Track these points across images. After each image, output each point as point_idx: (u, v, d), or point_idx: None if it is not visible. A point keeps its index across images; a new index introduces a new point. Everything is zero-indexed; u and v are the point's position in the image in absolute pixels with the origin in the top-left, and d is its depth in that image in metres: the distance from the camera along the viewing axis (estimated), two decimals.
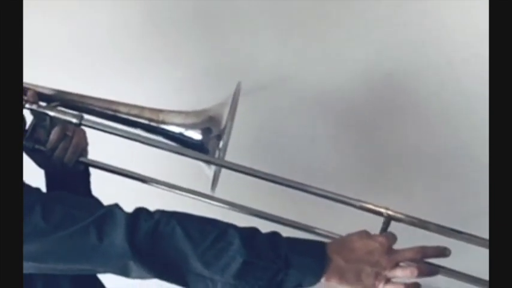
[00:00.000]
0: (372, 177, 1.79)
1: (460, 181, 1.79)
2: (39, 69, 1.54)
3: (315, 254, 1.03)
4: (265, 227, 1.09)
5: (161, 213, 1.05)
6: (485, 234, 1.04)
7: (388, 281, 1.05)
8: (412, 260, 1.06)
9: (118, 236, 1.01)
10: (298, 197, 1.24)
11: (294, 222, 1.18)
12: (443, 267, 1.10)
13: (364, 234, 1.08)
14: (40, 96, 1.24)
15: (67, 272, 1.08)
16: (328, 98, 1.76)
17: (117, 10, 1.72)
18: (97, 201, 1.17)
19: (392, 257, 1.06)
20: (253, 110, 1.70)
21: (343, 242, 1.07)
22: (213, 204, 1.20)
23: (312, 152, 1.79)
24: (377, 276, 1.05)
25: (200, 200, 1.21)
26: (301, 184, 1.17)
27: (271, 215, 1.19)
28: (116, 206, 1.06)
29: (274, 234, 1.06)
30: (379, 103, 1.76)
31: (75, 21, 1.71)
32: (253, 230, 1.06)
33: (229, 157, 1.30)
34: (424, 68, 1.72)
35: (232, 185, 1.31)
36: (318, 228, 1.17)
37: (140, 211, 1.05)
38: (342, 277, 1.03)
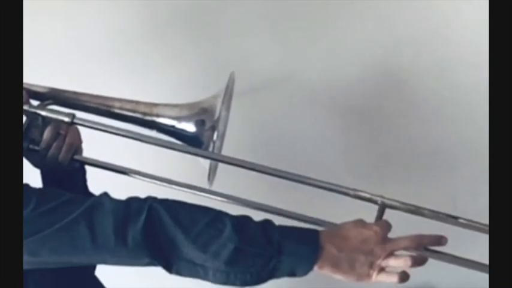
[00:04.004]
0: (370, 174, 1.77)
1: (460, 179, 1.78)
2: (37, 71, 1.54)
3: (307, 242, 1.02)
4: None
5: (152, 200, 1.04)
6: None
7: (382, 270, 1.03)
8: (407, 249, 1.04)
9: (108, 226, 1.00)
10: (294, 188, 1.22)
11: (291, 212, 1.16)
12: (441, 253, 1.07)
13: (359, 222, 1.07)
14: (34, 94, 1.24)
15: (60, 265, 1.07)
16: (328, 96, 1.75)
17: (115, 11, 1.72)
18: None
19: (387, 246, 1.04)
20: (252, 109, 1.71)
21: (337, 231, 1.06)
22: (210, 198, 1.18)
23: (310, 148, 1.78)
24: (371, 265, 1.03)
25: (198, 194, 1.18)
26: (296, 175, 1.16)
27: (268, 206, 1.16)
28: (105, 195, 1.06)
29: (267, 222, 1.04)
30: (378, 101, 1.75)
31: (73, 22, 1.72)
32: (245, 218, 1.04)
33: (230, 155, 1.27)
34: (423, 66, 1.72)
35: (229, 179, 1.30)
36: (317, 219, 1.14)
37: (130, 200, 1.05)
38: (335, 265, 1.02)
